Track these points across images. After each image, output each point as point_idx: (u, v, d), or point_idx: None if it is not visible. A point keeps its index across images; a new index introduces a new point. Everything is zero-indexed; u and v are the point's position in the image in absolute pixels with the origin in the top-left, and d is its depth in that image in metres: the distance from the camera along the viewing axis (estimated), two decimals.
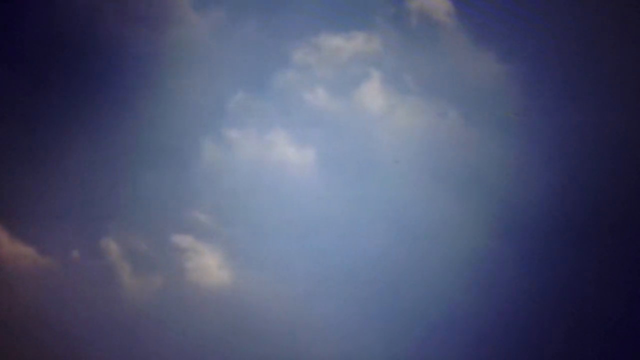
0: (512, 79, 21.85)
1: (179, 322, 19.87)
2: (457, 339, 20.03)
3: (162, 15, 21.88)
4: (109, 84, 21.38)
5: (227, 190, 20.86)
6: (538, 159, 21.24)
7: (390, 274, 20.45)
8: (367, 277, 20.36)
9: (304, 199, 20.92)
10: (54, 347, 19.48)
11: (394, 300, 20.34)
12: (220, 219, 20.65)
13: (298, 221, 20.66)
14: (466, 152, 21.32)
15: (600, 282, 20.35)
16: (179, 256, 20.29)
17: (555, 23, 22.05)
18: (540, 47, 21.92)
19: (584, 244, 20.57)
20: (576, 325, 20.12)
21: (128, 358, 19.59)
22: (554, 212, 20.77)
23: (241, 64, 21.61)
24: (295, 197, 20.92)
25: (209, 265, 20.33)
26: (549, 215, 20.74)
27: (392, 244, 20.59)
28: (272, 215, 20.71)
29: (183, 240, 20.37)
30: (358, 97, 21.62)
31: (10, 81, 20.95)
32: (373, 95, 21.68)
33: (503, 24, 21.94)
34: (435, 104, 21.68)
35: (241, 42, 21.79)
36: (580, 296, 20.29)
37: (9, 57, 21.26)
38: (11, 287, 19.81)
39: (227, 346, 19.70)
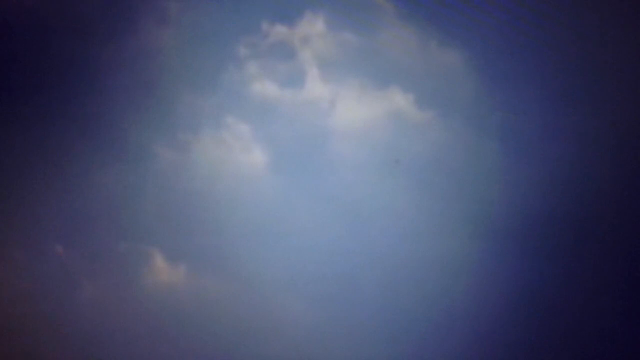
0: (470, 67, 21.42)
1: (134, 324, 19.56)
2: (445, 341, 19.79)
3: (118, 24, 21.52)
4: (57, 87, 20.89)
5: (182, 192, 20.42)
6: (517, 154, 21.00)
7: (356, 273, 20.10)
8: (332, 277, 19.98)
9: (260, 198, 20.50)
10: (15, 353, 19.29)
11: (368, 301, 20.04)
12: (176, 222, 20.23)
13: (255, 220, 20.28)
14: (432, 144, 20.98)
15: (595, 282, 20.06)
16: (131, 259, 19.90)
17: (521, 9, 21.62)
18: (501, 36, 21.50)
19: (579, 243, 20.25)
20: (573, 325, 19.88)
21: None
22: (548, 210, 20.49)
23: (189, 63, 21.19)
24: (251, 196, 20.50)
25: (163, 268, 19.94)
26: (541, 214, 20.39)
27: (356, 242, 20.29)
28: (229, 216, 20.29)
29: (135, 243, 20.00)
30: (310, 88, 21.19)
31: None
32: (326, 84, 21.22)
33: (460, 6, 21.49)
34: (390, 90, 21.28)
35: (188, 40, 21.38)
36: (576, 295, 20.01)
37: None
38: None
39: (188, 346, 19.54)
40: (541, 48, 21.28)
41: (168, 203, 20.30)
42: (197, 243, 20.08)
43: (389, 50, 21.37)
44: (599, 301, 20.04)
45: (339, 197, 20.53)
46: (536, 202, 20.51)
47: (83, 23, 21.13)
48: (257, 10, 21.40)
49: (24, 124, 20.49)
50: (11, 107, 20.54)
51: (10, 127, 20.34)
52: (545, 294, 20.07)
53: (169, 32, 21.29)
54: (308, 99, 21.12)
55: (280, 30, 21.38)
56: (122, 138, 20.55)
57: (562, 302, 20.06)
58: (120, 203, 20.21)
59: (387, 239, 20.30)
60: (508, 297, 19.96)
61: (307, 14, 21.41)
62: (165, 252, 19.96)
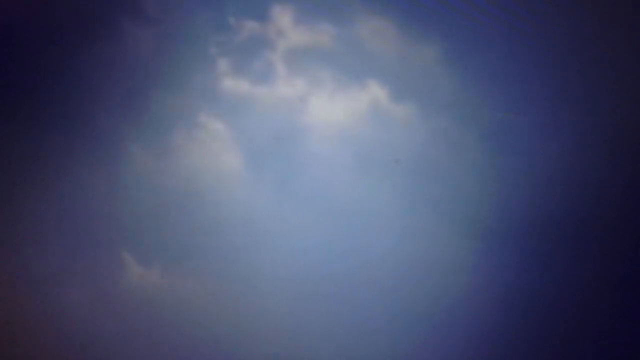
0: (446, 61, 20.99)
1: (114, 327, 19.28)
2: (442, 342, 19.52)
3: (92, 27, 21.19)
4: (32, 91, 20.62)
5: (159, 194, 20.03)
6: (510, 153, 20.67)
7: (341, 273, 19.74)
8: (316, 277, 19.66)
9: (238, 197, 20.12)
10: None
11: (355, 301, 19.72)
12: (154, 223, 19.84)
13: (232, 220, 19.90)
14: (416, 141, 20.61)
15: (595, 282, 19.90)
16: (107, 264, 19.61)
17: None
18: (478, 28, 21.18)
19: (577, 244, 20.07)
20: (571, 325, 19.65)
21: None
22: (549, 211, 20.20)
23: (161, 62, 20.79)
24: (229, 195, 20.11)
25: (141, 270, 19.63)
26: (543, 215, 20.16)
27: (337, 242, 19.90)
28: (207, 216, 19.96)
29: (110, 247, 19.65)
30: (284, 84, 20.84)
31: None
32: (300, 79, 20.74)
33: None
34: (369, 85, 20.87)
35: (162, 39, 21.07)
36: (575, 296, 19.80)
37: None
38: None
39: (160, 349, 19.27)
40: (532, 44, 21.03)
41: (145, 204, 20.00)
42: (175, 244, 19.81)
43: (366, 44, 21.06)
44: (598, 302, 19.89)
45: (318, 195, 20.23)
46: (533, 202, 20.34)
47: (56, 27, 20.98)
48: (226, 5, 21.15)
49: None
50: None
51: None
52: (544, 294, 19.88)
53: (144, 33, 21.08)
54: (283, 96, 20.80)
55: (250, 26, 21.07)
56: (97, 140, 20.26)
57: (561, 303, 19.91)
58: (96, 205, 19.92)
59: (372, 239, 20.02)
60: (505, 299, 19.78)
61: (277, 8, 21.09)
62: (145, 254, 19.69)
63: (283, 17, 21.08)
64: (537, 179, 20.31)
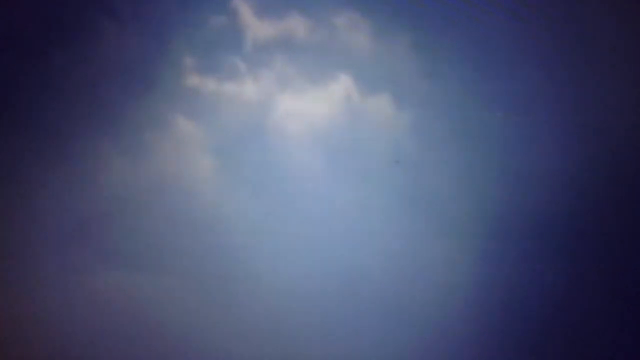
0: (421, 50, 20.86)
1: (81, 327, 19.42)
2: (442, 343, 19.56)
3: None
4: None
5: (131, 194, 20.09)
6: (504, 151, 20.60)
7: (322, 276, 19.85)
8: (300, 277, 19.71)
9: (211, 199, 20.17)
10: None
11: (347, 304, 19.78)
12: (120, 229, 19.91)
13: (199, 222, 19.97)
14: (391, 138, 20.51)
15: (596, 283, 19.84)
16: (77, 264, 19.71)
17: None
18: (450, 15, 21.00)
19: (583, 245, 20.04)
20: (572, 326, 19.64)
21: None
22: (554, 212, 20.15)
23: (127, 61, 20.70)
24: (197, 196, 20.17)
25: (109, 272, 19.75)
26: (547, 216, 20.11)
27: (309, 245, 19.99)
28: (174, 220, 19.98)
29: (82, 252, 19.73)
30: (254, 80, 20.70)
31: None
32: (269, 76, 20.71)
33: None
34: (340, 80, 20.73)
35: (130, 40, 20.95)
36: (576, 297, 19.77)
37: None
38: None
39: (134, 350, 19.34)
40: (523, 38, 20.90)
41: (116, 204, 19.99)
42: (147, 244, 19.86)
43: (338, 37, 20.85)
44: (599, 302, 19.84)
45: (292, 195, 20.22)
46: (531, 202, 20.24)
47: (20, 30, 20.96)
48: (196, 2, 20.99)
49: None
50: None
51: None
52: (541, 294, 19.87)
53: (112, 31, 21.01)
54: (252, 94, 20.68)
55: (219, 21, 20.91)
56: (68, 143, 20.23)
57: (561, 304, 19.88)
58: (65, 205, 19.94)
59: (357, 237, 19.99)
60: (502, 298, 19.80)
61: (246, 2, 20.97)
62: (115, 255, 19.76)
63: (251, 11, 20.93)
64: (535, 179, 20.26)
